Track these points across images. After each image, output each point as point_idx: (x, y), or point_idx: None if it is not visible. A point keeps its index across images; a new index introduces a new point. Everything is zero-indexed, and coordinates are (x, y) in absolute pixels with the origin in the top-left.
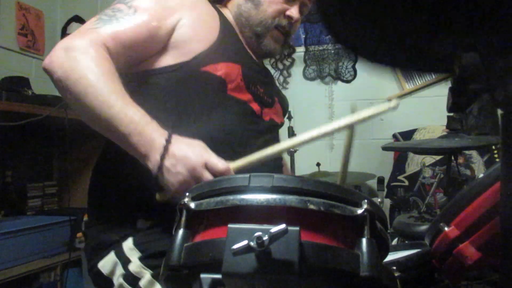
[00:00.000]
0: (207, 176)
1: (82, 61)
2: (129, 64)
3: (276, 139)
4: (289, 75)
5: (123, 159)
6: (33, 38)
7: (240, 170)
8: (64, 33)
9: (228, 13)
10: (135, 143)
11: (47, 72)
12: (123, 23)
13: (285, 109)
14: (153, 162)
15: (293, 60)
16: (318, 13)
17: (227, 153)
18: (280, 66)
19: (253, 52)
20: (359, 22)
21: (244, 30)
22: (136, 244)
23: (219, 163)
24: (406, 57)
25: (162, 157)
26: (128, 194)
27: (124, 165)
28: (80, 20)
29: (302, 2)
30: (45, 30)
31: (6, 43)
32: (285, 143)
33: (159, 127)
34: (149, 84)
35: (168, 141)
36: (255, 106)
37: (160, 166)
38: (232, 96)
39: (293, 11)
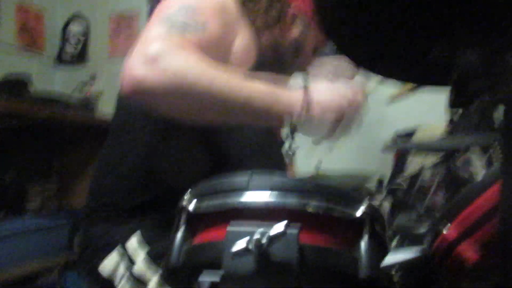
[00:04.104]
0: (350, 110)
1: (184, 62)
2: None
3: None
4: None
5: (129, 153)
6: (33, 37)
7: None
8: (64, 32)
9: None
10: (277, 111)
11: (141, 93)
12: (198, 34)
13: None
14: (298, 117)
15: None
16: (319, 25)
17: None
18: None
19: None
20: (359, 32)
21: (271, 63)
22: (142, 242)
23: (355, 96)
24: (406, 69)
25: (307, 112)
26: (133, 191)
27: (129, 159)
28: (80, 19)
29: None
30: (45, 29)
31: (6, 43)
32: None
33: (282, 85)
34: None
35: (306, 98)
36: None
37: (308, 120)
38: None
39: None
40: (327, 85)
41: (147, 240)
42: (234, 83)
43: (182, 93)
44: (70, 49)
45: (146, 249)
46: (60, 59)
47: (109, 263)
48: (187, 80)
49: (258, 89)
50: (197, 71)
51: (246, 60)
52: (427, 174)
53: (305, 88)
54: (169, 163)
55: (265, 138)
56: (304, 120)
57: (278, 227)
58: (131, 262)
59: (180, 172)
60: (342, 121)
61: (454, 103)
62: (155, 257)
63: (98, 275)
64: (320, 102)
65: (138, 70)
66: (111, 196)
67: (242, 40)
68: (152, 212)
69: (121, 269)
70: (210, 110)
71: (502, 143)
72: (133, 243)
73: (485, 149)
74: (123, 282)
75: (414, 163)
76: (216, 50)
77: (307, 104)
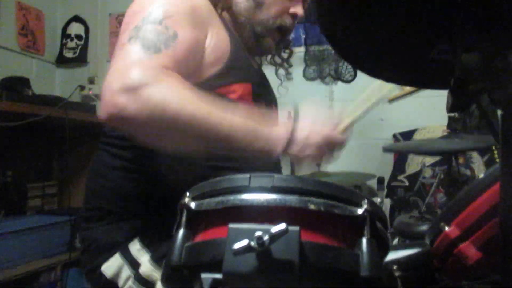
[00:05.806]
0: (330, 146)
1: (165, 93)
2: None
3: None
4: (290, 65)
5: (125, 154)
6: (33, 38)
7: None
8: (64, 33)
9: (225, 13)
10: (257, 148)
11: (120, 121)
12: (172, 46)
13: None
14: (279, 154)
15: (291, 52)
16: (320, 28)
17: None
18: (278, 60)
19: (249, 50)
20: (359, 35)
21: (243, 30)
22: (144, 244)
23: (337, 138)
24: (406, 71)
25: (287, 149)
26: (133, 192)
27: (126, 161)
28: (80, 20)
29: None
30: (45, 30)
31: (6, 43)
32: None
33: (264, 119)
34: None
35: (290, 139)
36: None
37: (289, 156)
38: None
39: (298, 9)
40: (307, 122)
41: (148, 243)
42: (215, 117)
43: (162, 125)
44: (70, 50)
45: (149, 251)
46: (60, 60)
47: (112, 265)
48: (168, 113)
49: (239, 124)
50: (179, 104)
51: (220, 54)
52: (427, 173)
53: (288, 126)
54: (159, 167)
55: None
56: (284, 155)
57: (280, 225)
58: (136, 264)
59: (171, 175)
60: (323, 155)
61: (453, 107)
62: (159, 259)
63: (100, 275)
64: (300, 140)
65: (119, 98)
66: (103, 201)
67: (215, 35)
68: (148, 215)
69: (125, 272)
70: (189, 142)
71: (500, 144)
72: (135, 245)
73: (485, 149)
74: (129, 283)
75: (414, 163)
76: (191, 55)
77: (288, 142)
